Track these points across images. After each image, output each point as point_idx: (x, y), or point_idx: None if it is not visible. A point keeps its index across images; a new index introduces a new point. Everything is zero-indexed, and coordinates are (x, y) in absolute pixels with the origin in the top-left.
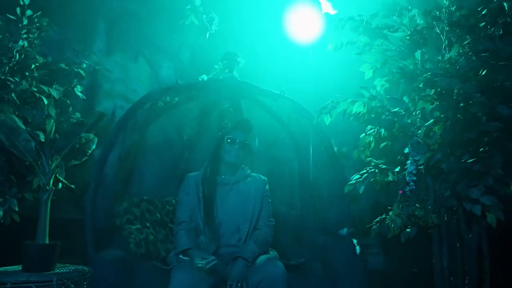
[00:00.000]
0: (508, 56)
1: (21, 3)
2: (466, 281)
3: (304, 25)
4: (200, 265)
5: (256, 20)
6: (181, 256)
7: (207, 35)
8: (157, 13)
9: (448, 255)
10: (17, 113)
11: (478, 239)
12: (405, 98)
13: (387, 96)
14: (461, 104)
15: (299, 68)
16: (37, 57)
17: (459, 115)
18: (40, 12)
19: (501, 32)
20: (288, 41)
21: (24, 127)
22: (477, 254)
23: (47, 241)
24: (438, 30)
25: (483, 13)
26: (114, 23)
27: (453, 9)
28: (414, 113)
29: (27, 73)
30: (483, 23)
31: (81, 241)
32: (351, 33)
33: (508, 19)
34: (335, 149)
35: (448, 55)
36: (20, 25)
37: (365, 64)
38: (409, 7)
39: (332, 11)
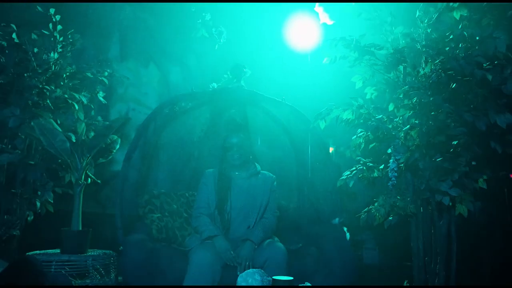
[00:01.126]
0: (469, 74)
1: (53, 19)
2: (438, 260)
3: (303, 35)
4: (227, 257)
5: (259, 31)
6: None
7: (216, 46)
8: (166, 22)
9: (423, 239)
10: (51, 117)
11: (447, 226)
12: (391, 105)
13: (372, 106)
14: (432, 113)
15: (299, 75)
16: (67, 68)
17: (430, 122)
18: (72, 30)
19: (463, 55)
20: (289, 50)
21: (60, 130)
22: (447, 238)
23: (80, 228)
24: (419, 47)
25: (450, 37)
26: (127, 32)
27: (429, 31)
28: (396, 119)
29: (62, 83)
30: (448, 47)
31: (100, 232)
32: (344, 49)
33: (468, 44)
34: (334, 148)
35: (423, 71)
36: (52, 39)
37: (356, 75)
38: (393, 29)
39: (329, 22)
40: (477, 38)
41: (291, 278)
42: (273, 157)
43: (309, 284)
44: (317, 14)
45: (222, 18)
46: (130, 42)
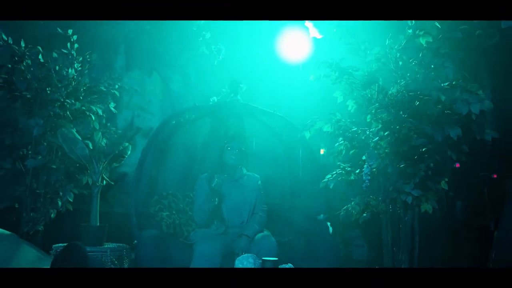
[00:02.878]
0: (427, 94)
1: (71, 39)
2: (403, 250)
3: (295, 48)
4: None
5: (255, 45)
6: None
7: (215, 62)
8: (168, 34)
9: (391, 232)
10: (72, 127)
11: (411, 221)
12: (369, 117)
13: (348, 120)
14: (397, 127)
15: (293, 86)
16: (83, 82)
17: (396, 134)
18: (90, 51)
19: (422, 78)
20: (282, 63)
21: (80, 138)
22: (411, 231)
23: (98, 224)
24: (392, 67)
25: (413, 63)
26: (132, 43)
27: (398, 55)
28: (371, 129)
29: (81, 97)
30: (410, 72)
31: (109, 228)
32: (326, 69)
33: (427, 70)
34: (325, 150)
35: (391, 92)
36: (70, 56)
37: (337, 91)
38: (367, 53)
39: (319, 36)
40: (432, 66)
41: (277, 259)
42: (268, 161)
43: (291, 265)
44: (307, 28)
45: (220, 34)
46: (135, 53)
